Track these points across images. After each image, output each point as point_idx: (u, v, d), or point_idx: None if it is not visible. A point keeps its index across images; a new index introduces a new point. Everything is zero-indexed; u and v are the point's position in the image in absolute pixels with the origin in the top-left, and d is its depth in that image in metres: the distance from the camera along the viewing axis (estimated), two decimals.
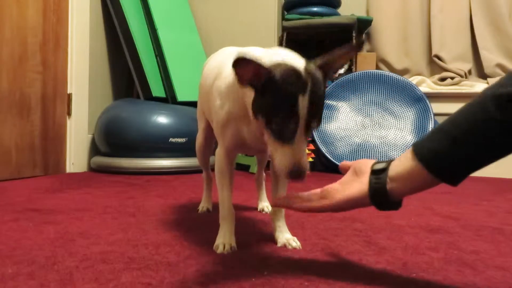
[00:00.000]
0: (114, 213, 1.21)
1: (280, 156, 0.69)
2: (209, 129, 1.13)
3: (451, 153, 0.60)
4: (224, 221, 0.89)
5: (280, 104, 0.67)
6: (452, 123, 0.61)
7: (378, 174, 0.67)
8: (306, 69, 0.69)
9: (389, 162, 0.68)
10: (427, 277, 0.72)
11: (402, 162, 0.65)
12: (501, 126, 0.56)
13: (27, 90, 2.01)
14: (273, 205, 0.85)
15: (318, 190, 0.75)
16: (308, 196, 0.76)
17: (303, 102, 0.66)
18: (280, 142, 0.69)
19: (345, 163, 0.78)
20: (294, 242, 0.88)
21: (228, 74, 0.84)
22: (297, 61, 0.71)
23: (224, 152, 0.89)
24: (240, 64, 0.63)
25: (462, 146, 0.59)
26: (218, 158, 0.91)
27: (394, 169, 0.66)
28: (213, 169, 1.01)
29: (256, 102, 0.71)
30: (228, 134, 0.86)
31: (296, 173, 0.68)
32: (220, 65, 0.91)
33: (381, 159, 2.56)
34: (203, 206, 1.28)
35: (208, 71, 1.00)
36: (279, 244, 0.89)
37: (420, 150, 0.63)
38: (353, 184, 0.70)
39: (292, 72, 0.68)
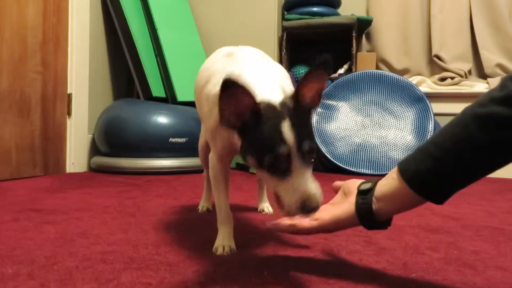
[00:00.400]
0: (114, 213, 1.21)
1: (284, 193, 0.65)
2: None
3: (435, 173, 0.61)
4: (222, 225, 0.89)
5: (266, 139, 0.64)
6: (435, 143, 0.62)
7: (364, 194, 0.67)
8: (280, 102, 0.67)
9: (376, 182, 0.68)
10: (427, 277, 0.72)
11: (388, 182, 0.66)
12: (483, 146, 0.57)
13: (27, 90, 2.01)
14: (267, 228, 0.79)
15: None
16: (299, 218, 0.73)
17: (285, 128, 0.63)
18: (279, 179, 0.65)
19: (336, 183, 0.78)
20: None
21: (217, 81, 0.80)
22: (272, 95, 0.68)
23: (217, 158, 0.89)
24: (231, 87, 0.60)
25: (445, 166, 0.60)
26: (212, 163, 0.90)
27: (380, 189, 0.66)
28: None
29: (243, 142, 0.68)
30: (218, 141, 0.85)
31: (307, 208, 0.63)
32: (211, 70, 0.89)
33: (381, 159, 2.56)
34: (203, 205, 1.28)
35: (200, 74, 0.98)
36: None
37: (405, 170, 0.64)
38: (341, 205, 0.70)
39: (267, 104, 0.66)
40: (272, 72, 0.83)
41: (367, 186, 0.68)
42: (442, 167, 0.60)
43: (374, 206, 0.66)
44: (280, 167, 0.64)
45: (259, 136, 0.65)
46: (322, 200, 0.65)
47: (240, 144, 0.70)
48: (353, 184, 0.71)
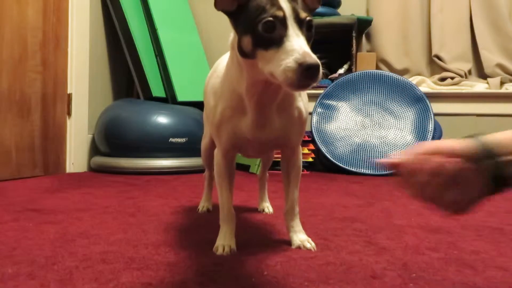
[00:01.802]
0: (114, 213, 1.21)
1: (278, 60, 0.61)
2: None
3: None
4: (224, 223, 0.89)
5: (259, 5, 0.65)
6: None
7: (490, 156, 0.55)
8: None
9: (484, 135, 0.57)
10: (427, 277, 0.72)
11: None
12: None
13: (27, 90, 2.01)
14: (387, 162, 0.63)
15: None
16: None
17: (282, 1, 0.64)
18: (274, 49, 0.62)
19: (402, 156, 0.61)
20: (309, 244, 0.87)
21: (221, 69, 0.85)
22: None
23: (222, 153, 0.88)
24: None
25: None
26: (217, 159, 0.90)
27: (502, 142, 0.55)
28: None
29: (238, 31, 0.69)
30: (224, 134, 0.85)
31: (308, 67, 0.58)
32: (216, 65, 0.92)
33: (381, 159, 2.56)
34: (203, 205, 1.28)
35: (208, 76, 1.01)
36: (293, 246, 0.88)
37: None
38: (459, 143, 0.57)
39: None
40: None
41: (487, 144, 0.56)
42: None
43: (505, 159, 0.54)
44: (275, 34, 0.62)
45: (254, 8, 0.65)
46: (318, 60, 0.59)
47: (236, 42, 0.70)
48: (460, 146, 0.57)
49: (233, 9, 0.68)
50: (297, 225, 0.91)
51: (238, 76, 0.77)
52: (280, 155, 0.95)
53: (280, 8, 0.63)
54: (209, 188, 1.30)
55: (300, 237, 0.89)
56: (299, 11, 0.64)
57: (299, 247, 0.87)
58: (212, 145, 1.18)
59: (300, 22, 0.64)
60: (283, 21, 0.63)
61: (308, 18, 0.65)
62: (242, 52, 0.69)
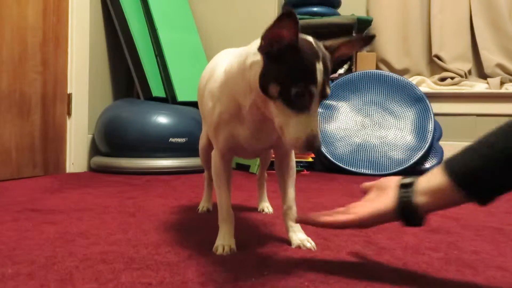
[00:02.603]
0: (114, 213, 1.21)
1: (294, 126, 0.68)
2: None
3: (484, 170, 0.60)
4: (223, 223, 0.89)
5: (301, 70, 0.67)
6: (485, 143, 0.62)
7: (406, 187, 0.67)
8: (314, 41, 0.71)
9: (416, 178, 0.68)
10: (427, 277, 0.72)
11: (431, 178, 0.66)
12: None
13: (27, 90, 2.01)
14: (298, 221, 0.83)
15: (341, 208, 0.76)
16: (332, 213, 0.75)
17: (319, 69, 0.67)
18: (294, 112, 0.68)
19: (366, 184, 0.78)
20: (309, 243, 0.87)
21: (220, 74, 0.84)
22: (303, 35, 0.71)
23: (219, 155, 0.89)
24: (289, 17, 0.62)
25: (495, 165, 0.59)
26: (214, 160, 0.91)
27: (422, 183, 0.66)
28: None
29: (269, 71, 0.70)
30: (221, 137, 0.85)
31: (311, 143, 0.67)
32: (214, 66, 0.91)
33: (381, 159, 2.55)
34: (203, 206, 1.28)
35: (204, 73, 1.01)
36: (293, 245, 0.88)
37: (452, 165, 0.64)
38: (378, 199, 0.70)
39: (306, 40, 0.70)
40: None
41: (408, 180, 0.68)
42: (492, 166, 0.60)
43: (415, 200, 0.66)
44: (302, 102, 0.67)
45: (292, 66, 0.67)
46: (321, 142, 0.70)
47: (260, 72, 0.71)
48: (389, 181, 0.71)
49: (273, 51, 0.69)
50: (296, 224, 0.92)
51: (244, 93, 0.77)
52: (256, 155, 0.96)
53: (315, 83, 0.67)
54: (209, 188, 1.30)
55: (299, 236, 0.89)
56: (326, 87, 0.69)
57: (299, 247, 0.87)
58: (210, 145, 1.18)
59: (322, 96, 0.70)
60: (312, 95, 0.68)
61: (328, 94, 0.71)
62: (264, 90, 0.70)
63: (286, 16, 0.62)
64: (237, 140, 0.84)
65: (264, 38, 0.68)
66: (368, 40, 0.74)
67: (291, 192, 0.93)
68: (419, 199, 0.66)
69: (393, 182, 0.70)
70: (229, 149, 0.87)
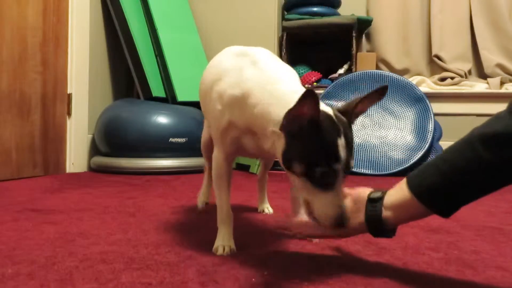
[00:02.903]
0: (114, 213, 1.21)
1: (321, 204, 0.68)
2: None
3: (442, 188, 0.63)
4: (222, 224, 0.89)
5: (324, 149, 0.66)
6: (444, 160, 0.65)
7: (374, 202, 0.70)
8: (334, 113, 0.70)
9: (385, 191, 0.71)
10: (427, 277, 0.72)
11: (397, 192, 0.69)
12: (489, 165, 0.60)
13: (27, 90, 2.01)
14: (276, 227, 0.86)
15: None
16: (309, 223, 0.76)
17: (341, 145, 0.67)
18: (320, 190, 0.68)
19: (345, 190, 0.78)
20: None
21: (234, 81, 0.81)
22: (324, 107, 0.70)
23: (223, 156, 0.88)
24: (310, 96, 0.61)
25: (452, 182, 0.63)
26: (216, 161, 0.89)
27: (389, 198, 0.69)
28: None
29: (291, 148, 0.68)
30: (227, 141, 0.84)
31: (339, 221, 0.68)
32: (222, 67, 0.87)
33: (381, 159, 2.55)
34: (201, 199, 1.27)
35: (209, 71, 0.96)
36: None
37: (413, 182, 0.67)
38: (350, 213, 0.72)
39: (326, 115, 0.68)
40: (292, 75, 0.85)
41: (377, 195, 0.71)
42: (451, 182, 0.63)
43: (383, 214, 0.68)
44: (327, 181, 0.67)
45: (315, 145, 0.66)
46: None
47: (282, 148, 0.70)
48: (363, 194, 0.73)
49: (294, 130, 0.67)
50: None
51: (264, 131, 0.76)
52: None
53: (339, 161, 0.67)
54: (208, 179, 1.27)
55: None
56: (350, 162, 0.69)
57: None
58: (210, 141, 1.16)
59: (345, 170, 0.69)
60: (336, 173, 0.67)
61: (352, 167, 0.70)
62: (288, 167, 0.70)
63: (307, 96, 0.61)
64: (244, 146, 0.84)
65: (286, 118, 0.66)
66: (383, 91, 0.72)
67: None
68: (386, 213, 0.68)
69: (364, 195, 0.72)
70: (235, 151, 0.87)
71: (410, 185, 0.66)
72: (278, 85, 0.76)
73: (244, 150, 0.86)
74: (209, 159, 1.24)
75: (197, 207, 1.27)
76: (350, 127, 0.72)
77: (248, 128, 0.80)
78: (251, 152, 0.85)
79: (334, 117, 0.69)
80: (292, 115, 0.65)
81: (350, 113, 0.73)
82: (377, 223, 0.69)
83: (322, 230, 0.74)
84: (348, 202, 0.74)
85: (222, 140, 0.85)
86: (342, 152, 0.67)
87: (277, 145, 0.72)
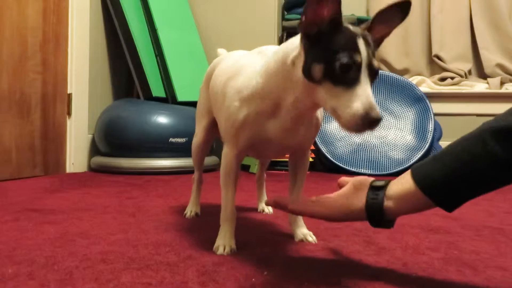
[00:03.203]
0: (114, 213, 1.21)
1: (347, 103, 0.64)
2: (210, 129, 1.12)
3: (448, 181, 0.62)
4: (225, 222, 0.89)
5: (342, 43, 0.65)
6: (451, 154, 0.63)
7: (376, 190, 0.68)
8: (349, 24, 0.70)
9: (389, 181, 0.69)
10: (427, 277, 0.72)
11: (401, 183, 0.67)
12: (499, 159, 0.58)
13: (27, 90, 2.01)
14: (268, 203, 0.84)
15: (313, 197, 0.76)
16: (304, 201, 0.77)
17: (361, 43, 0.66)
18: (344, 88, 0.64)
19: (344, 178, 0.78)
20: (311, 237, 0.92)
21: (250, 75, 0.82)
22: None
23: (235, 154, 0.87)
24: None
25: (459, 176, 0.61)
26: (227, 159, 0.88)
27: (392, 188, 0.67)
28: (205, 171, 1.00)
29: (310, 55, 0.68)
30: (244, 136, 0.83)
31: (369, 115, 0.62)
32: (237, 67, 0.88)
33: (381, 159, 2.55)
34: (191, 210, 1.21)
35: (220, 73, 0.96)
36: (296, 239, 0.93)
37: (418, 174, 0.65)
38: (351, 197, 0.71)
39: (346, 24, 0.68)
40: None
41: (380, 183, 0.69)
42: (457, 177, 0.61)
43: (384, 204, 0.67)
44: (350, 74, 0.65)
45: (335, 43, 0.66)
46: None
47: (302, 63, 0.70)
48: (365, 180, 0.72)
49: (313, 33, 0.68)
50: (300, 219, 0.96)
51: (285, 89, 0.76)
52: (280, 156, 0.95)
53: (359, 52, 0.65)
54: (197, 190, 1.24)
55: (302, 231, 0.94)
56: (372, 59, 0.67)
57: (301, 240, 0.92)
58: (204, 144, 1.15)
59: (371, 69, 0.67)
60: (359, 66, 0.65)
61: (378, 67, 0.68)
62: (309, 75, 0.69)
63: None
64: (265, 136, 0.82)
65: (305, 13, 0.67)
66: (406, 6, 0.69)
67: (299, 192, 0.95)
68: (387, 203, 0.67)
69: (367, 182, 0.71)
70: (251, 146, 0.86)
71: (415, 176, 0.65)
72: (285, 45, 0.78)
73: (262, 144, 0.84)
74: (199, 167, 1.23)
75: (184, 214, 1.21)
76: (370, 37, 0.70)
77: (273, 111, 0.79)
78: (276, 141, 0.83)
79: (350, 26, 0.69)
80: (311, 10, 0.66)
81: (371, 29, 0.71)
82: (377, 212, 0.67)
83: (316, 208, 0.73)
84: (347, 188, 0.72)
85: (237, 136, 0.84)
86: (362, 46, 0.66)
87: (298, 66, 0.71)
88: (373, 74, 0.67)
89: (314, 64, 0.67)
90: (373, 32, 0.72)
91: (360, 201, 0.69)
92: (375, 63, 0.67)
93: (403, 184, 0.66)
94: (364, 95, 0.64)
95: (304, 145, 0.90)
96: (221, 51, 1.20)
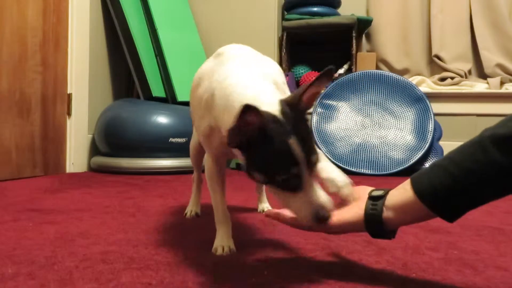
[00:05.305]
0: (114, 213, 1.21)
1: (296, 207, 0.66)
2: None
3: (449, 189, 0.60)
4: (220, 224, 0.89)
5: (278, 156, 0.63)
6: (451, 160, 0.61)
7: (375, 200, 0.67)
8: (281, 110, 0.64)
9: (388, 190, 0.68)
10: (427, 277, 0.72)
11: (400, 193, 0.65)
12: (502, 168, 0.56)
13: (27, 90, 2.01)
14: (266, 215, 0.79)
15: None
16: None
17: (294, 145, 0.62)
18: (290, 193, 0.65)
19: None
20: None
21: (207, 85, 0.80)
22: (269, 104, 0.65)
23: (212, 160, 0.89)
24: (247, 115, 0.58)
25: (460, 185, 0.59)
26: (208, 164, 0.90)
27: (391, 198, 0.66)
28: (204, 171, 1.00)
29: (248, 160, 0.66)
30: (213, 144, 0.84)
31: (321, 219, 0.64)
32: (201, 72, 0.87)
33: (381, 159, 2.55)
34: (191, 210, 1.22)
35: (195, 77, 0.95)
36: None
37: (418, 183, 0.63)
38: (350, 209, 0.69)
39: (271, 118, 0.63)
40: (262, 67, 0.81)
41: (378, 193, 0.68)
42: (459, 185, 0.59)
43: (383, 214, 0.65)
44: (292, 185, 0.64)
45: (268, 155, 0.63)
46: (332, 207, 0.66)
47: (242, 158, 0.68)
48: (364, 190, 0.71)
49: (243, 144, 0.65)
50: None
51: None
52: None
53: (297, 164, 0.63)
54: (197, 190, 1.25)
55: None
56: (311, 157, 0.64)
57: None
58: (200, 145, 1.15)
59: (311, 166, 0.65)
60: (298, 175, 0.64)
61: (315, 160, 0.65)
62: (252, 177, 0.68)
63: (245, 110, 0.57)
64: (230, 149, 0.81)
65: (228, 137, 0.63)
66: (327, 75, 0.66)
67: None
68: (387, 213, 0.65)
69: (366, 193, 0.69)
70: (223, 153, 0.87)
71: (414, 186, 0.63)
72: (235, 88, 0.72)
73: (231, 152, 0.83)
74: (198, 167, 1.24)
75: (184, 214, 1.22)
76: (302, 118, 0.67)
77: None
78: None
79: (280, 116, 0.63)
80: (233, 133, 0.62)
81: (297, 101, 0.66)
82: (376, 223, 0.66)
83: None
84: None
85: (208, 143, 0.85)
86: (298, 152, 0.62)
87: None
88: (315, 165, 0.66)
89: (253, 171, 0.66)
90: (305, 96, 0.66)
91: (359, 212, 0.67)
92: (314, 158, 0.65)
93: (402, 193, 0.65)
94: (309, 200, 0.64)
95: None
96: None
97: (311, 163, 0.65)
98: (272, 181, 0.65)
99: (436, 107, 2.50)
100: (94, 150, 2.41)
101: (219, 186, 0.90)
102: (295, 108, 0.66)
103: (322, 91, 2.55)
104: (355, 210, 0.68)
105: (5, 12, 1.89)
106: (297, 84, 2.83)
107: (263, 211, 1.27)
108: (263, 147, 0.63)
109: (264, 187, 1.32)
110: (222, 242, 0.85)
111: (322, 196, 0.65)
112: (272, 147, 0.62)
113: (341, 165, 2.35)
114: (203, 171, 1.10)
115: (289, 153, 0.62)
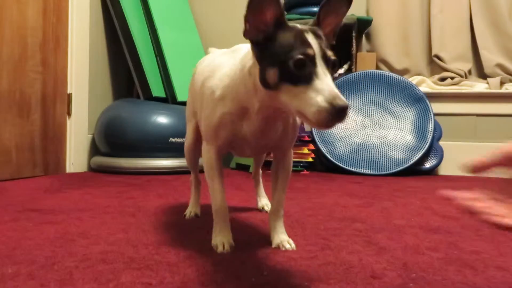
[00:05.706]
0: (114, 213, 1.21)
1: (309, 100, 0.61)
2: (198, 129, 1.12)
3: None
4: (217, 215, 0.88)
5: (291, 41, 0.65)
6: None
7: None
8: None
9: None
10: (427, 277, 0.72)
11: None
12: None
13: (27, 90, 2.01)
14: (463, 206, 0.57)
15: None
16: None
17: (311, 37, 0.65)
18: (304, 86, 0.62)
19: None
20: (288, 244, 0.86)
21: (223, 76, 0.83)
22: None
23: (215, 150, 0.88)
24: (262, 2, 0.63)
25: None
26: (209, 154, 0.88)
27: None
28: (201, 171, 1.00)
29: (263, 61, 0.69)
30: (221, 135, 0.84)
31: (335, 108, 0.59)
32: (213, 65, 0.89)
33: (381, 159, 2.55)
34: (190, 211, 1.21)
35: (199, 71, 0.98)
36: (273, 245, 0.88)
37: None
38: None
39: (292, 24, 0.69)
40: None
41: None
42: None
43: None
44: (305, 71, 0.63)
45: (284, 43, 0.66)
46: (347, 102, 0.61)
47: (258, 72, 0.70)
48: None
49: (260, 39, 0.68)
50: (280, 226, 0.91)
51: (249, 97, 0.76)
52: (259, 155, 0.95)
53: (310, 46, 0.65)
54: (196, 192, 1.25)
55: (280, 237, 0.89)
56: (326, 50, 0.66)
57: (278, 246, 0.87)
58: (195, 146, 1.16)
59: (327, 61, 0.65)
60: (312, 59, 0.64)
61: (333, 57, 0.67)
62: (265, 83, 0.69)
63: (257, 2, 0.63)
64: (242, 136, 0.82)
65: (247, 21, 0.67)
66: None
67: (282, 195, 0.92)
68: None
69: None
70: (229, 145, 0.87)
71: None
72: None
73: (241, 142, 0.85)
74: (194, 168, 1.24)
75: (184, 215, 1.21)
76: (319, 28, 0.70)
77: (243, 114, 0.80)
78: (252, 141, 0.83)
79: (298, 25, 0.69)
80: (253, 17, 0.66)
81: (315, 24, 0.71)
82: None
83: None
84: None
85: (216, 134, 0.85)
86: (312, 40, 0.65)
87: (255, 75, 0.72)
88: (331, 65, 0.66)
89: (268, 69, 0.67)
90: (322, 26, 0.71)
91: None
92: (329, 53, 0.66)
93: None
94: (324, 88, 0.61)
95: (282, 145, 0.88)
96: (211, 50, 1.20)
97: (327, 56, 0.66)
98: (285, 73, 0.65)
99: (436, 107, 2.50)
100: (94, 150, 2.42)
101: (218, 174, 0.89)
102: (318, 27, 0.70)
103: None
104: None
105: (5, 12, 1.89)
106: None
107: (263, 208, 1.27)
108: (280, 37, 0.66)
109: (261, 182, 1.31)
110: (222, 238, 0.85)
111: (335, 87, 0.62)
112: (288, 35, 0.66)
113: (341, 165, 2.35)
114: (201, 172, 1.10)
115: (304, 38, 0.66)
